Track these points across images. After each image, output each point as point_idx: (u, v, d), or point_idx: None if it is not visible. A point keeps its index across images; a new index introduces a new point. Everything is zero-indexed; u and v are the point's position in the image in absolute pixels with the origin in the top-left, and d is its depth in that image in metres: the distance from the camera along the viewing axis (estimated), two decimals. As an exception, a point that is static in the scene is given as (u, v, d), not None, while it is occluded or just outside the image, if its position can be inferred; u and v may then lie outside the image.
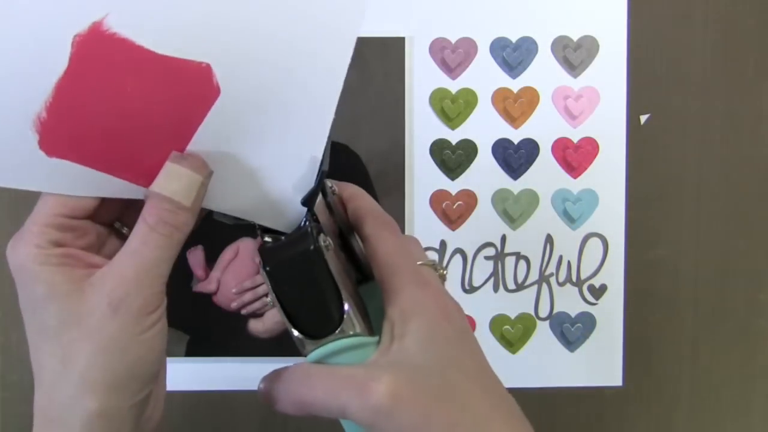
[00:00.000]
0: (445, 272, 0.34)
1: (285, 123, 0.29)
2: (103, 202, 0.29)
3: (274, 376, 0.30)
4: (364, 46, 0.54)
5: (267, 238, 0.31)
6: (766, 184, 0.56)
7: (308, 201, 0.30)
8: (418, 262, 0.32)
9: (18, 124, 0.26)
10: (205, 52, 0.27)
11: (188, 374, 0.56)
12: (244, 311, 0.55)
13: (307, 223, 0.30)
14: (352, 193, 0.34)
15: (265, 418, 0.56)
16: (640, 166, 0.56)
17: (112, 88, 0.26)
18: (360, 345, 0.29)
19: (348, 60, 0.28)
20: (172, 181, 0.27)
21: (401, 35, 0.55)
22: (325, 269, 0.29)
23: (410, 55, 0.55)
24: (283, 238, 0.31)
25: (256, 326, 0.55)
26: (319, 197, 0.32)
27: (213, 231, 0.55)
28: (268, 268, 0.29)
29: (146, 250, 0.27)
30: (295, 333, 0.30)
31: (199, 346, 0.56)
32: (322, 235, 0.29)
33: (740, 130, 0.56)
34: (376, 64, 0.55)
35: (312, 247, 0.28)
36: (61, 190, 0.27)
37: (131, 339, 0.26)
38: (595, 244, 0.56)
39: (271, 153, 0.29)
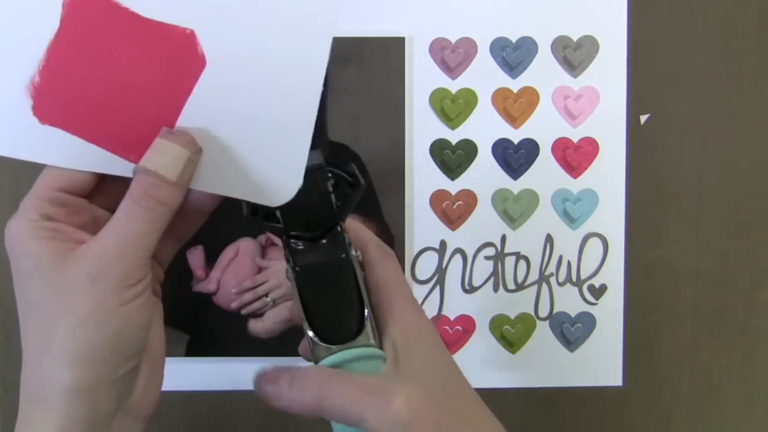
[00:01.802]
0: None
1: (272, 102, 0.29)
2: (102, 184, 0.29)
3: (281, 376, 0.31)
4: (364, 46, 0.54)
5: (294, 242, 0.31)
6: (766, 184, 0.56)
7: (341, 212, 0.30)
8: None
9: (14, 88, 0.27)
10: (189, 18, 0.27)
11: (188, 374, 0.56)
12: (244, 311, 0.55)
13: (341, 231, 0.30)
14: (353, 223, 0.35)
15: (265, 418, 0.56)
16: (640, 166, 0.56)
17: (102, 53, 0.27)
18: (372, 356, 0.30)
19: (331, 38, 0.28)
20: (158, 156, 0.27)
21: (401, 35, 0.55)
22: (354, 279, 0.30)
23: (410, 55, 0.55)
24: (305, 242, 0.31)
25: (256, 326, 0.55)
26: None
27: (213, 231, 0.55)
28: (297, 269, 0.29)
29: (128, 223, 0.27)
30: (311, 335, 0.30)
31: (199, 346, 0.56)
32: (353, 246, 0.30)
33: (740, 130, 0.56)
34: (376, 64, 0.55)
35: (345, 255, 0.29)
36: (53, 161, 0.27)
37: (110, 312, 0.26)
38: (595, 244, 0.56)
39: (260, 132, 0.29)
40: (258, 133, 0.29)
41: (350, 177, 0.31)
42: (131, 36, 0.27)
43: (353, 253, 0.29)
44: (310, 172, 0.30)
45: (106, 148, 0.28)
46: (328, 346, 0.30)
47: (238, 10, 0.27)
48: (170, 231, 0.30)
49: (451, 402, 0.29)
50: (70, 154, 0.28)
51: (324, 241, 0.30)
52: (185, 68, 0.28)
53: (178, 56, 0.27)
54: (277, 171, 0.29)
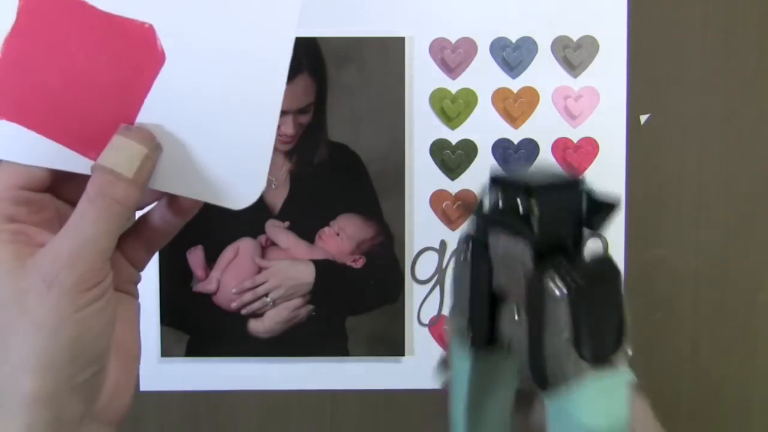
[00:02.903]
0: None
1: (235, 100, 0.28)
2: (66, 177, 0.28)
3: None
4: (364, 46, 0.54)
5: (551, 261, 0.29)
6: (766, 184, 0.56)
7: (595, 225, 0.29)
8: None
9: None
10: (148, 12, 0.27)
11: (188, 374, 0.56)
12: (244, 311, 0.55)
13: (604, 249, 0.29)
14: None
15: (265, 418, 0.56)
16: (640, 166, 0.56)
17: (59, 47, 0.27)
18: (630, 381, 0.29)
19: (293, 33, 0.28)
20: (114, 153, 0.26)
21: (401, 35, 0.55)
22: (614, 297, 0.29)
23: (410, 55, 0.55)
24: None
25: (256, 326, 0.55)
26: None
27: (213, 231, 0.55)
28: (570, 290, 0.27)
29: (83, 224, 0.26)
30: (573, 357, 0.28)
31: (199, 346, 0.56)
32: (605, 260, 0.29)
33: (740, 130, 0.56)
34: (376, 64, 0.55)
35: (609, 275, 0.28)
36: (10, 157, 0.27)
37: (65, 318, 0.25)
38: (595, 244, 0.56)
39: (223, 131, 0.28)
40: (221, 132, 0.28)
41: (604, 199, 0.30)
42: (88, 30, 0.26)
43: (613, 270, 0.28)
44: (559, 188, 0.29)
45: (64, 144, 0.27)
46: (592, 366, 0.28)
47: (198, 4, 0.27)
48: (142, 239, 0.29)
49: None
50: (28, 150, 0.27)
51: (583, 259, 0.29)
52: (144, 63, 0.27)
53: (136, 51, 0.27)
54: (240, 173, 0.28)
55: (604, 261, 0.29)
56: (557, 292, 0.27)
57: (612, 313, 0.29)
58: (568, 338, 0.28)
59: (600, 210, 0.30)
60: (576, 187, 0.29)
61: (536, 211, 0.29)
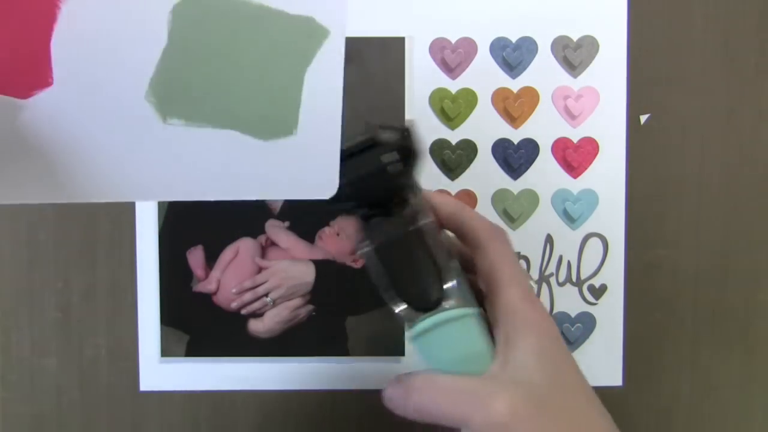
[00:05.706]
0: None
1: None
2: None
3: (397, 381, 0.32)
4: (364, 46, 0.54)
5: (371, 219, 0.32)
6: (766, 184, 0.56)
7: (400, 185, 0.31)
8: None
9: None
10: None
11: (188, 374, 0.56)
12: (244, 311, 0.55)
13: (410, 201, 0.31)
14: (452, 210, 0.35)
15: (265, 418, 0.56)
16: (640, 166, 0.56)
17: None
18: (462, 316, 0.31)
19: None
20: None
21: (401, 35, 0.55)
22: (426, 247, 0.31)
23: (410, 55, 0.55)
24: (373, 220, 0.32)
25: (256, 326, 0.55)
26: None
27: (213, 231, 0.55)
28: (374, 246, 0.31)
29: None
30: (401, 307, 0.31)
31: (199, 346, 0.56)
32: (420, 212, 0.31)
33: (740, 130, 0.56)
34: (376, 64, 0.55)
35: (412, 228, 0.31)
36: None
37: None
38: (595, 244, 0.56)
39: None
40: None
41: (404, 146, 0.32)
42: None
43: (424, 221, 0.30)
44: (360, 152, 0.31)
45: None
46: (417, 313, 0.31)
47: None
48: None
49: (561, 404, 0.30)
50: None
51: (395, 214, 0.31)
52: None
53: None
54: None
55: (399, 220, 0.31)
56: (363, 250, 0.31)
57: (418, 266, 0.31)
58: (387, 289, 0.31)
59: (407, 158, 0.32)
60: (373, 147, 0.31)
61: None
